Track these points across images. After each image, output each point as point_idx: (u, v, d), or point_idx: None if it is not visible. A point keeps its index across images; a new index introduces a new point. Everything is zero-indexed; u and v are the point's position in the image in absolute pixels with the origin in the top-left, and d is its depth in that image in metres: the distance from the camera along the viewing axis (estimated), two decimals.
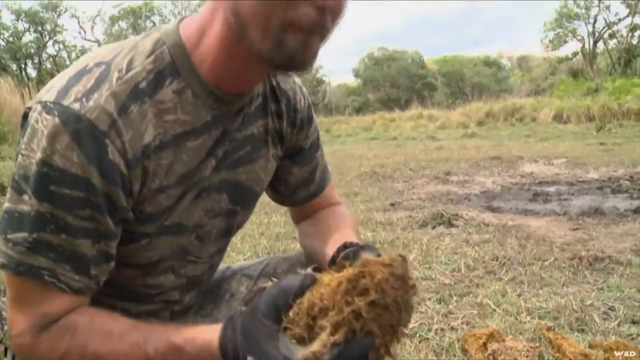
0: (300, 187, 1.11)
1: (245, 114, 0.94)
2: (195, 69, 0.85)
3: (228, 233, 1.05)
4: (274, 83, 1.00)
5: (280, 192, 1.12)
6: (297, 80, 1.06)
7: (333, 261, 0.92)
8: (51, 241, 0.77)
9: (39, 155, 0.75)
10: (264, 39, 0.77)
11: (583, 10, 23.54)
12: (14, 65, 23.27)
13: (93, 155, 0.76)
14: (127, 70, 0.81)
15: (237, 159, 0.96)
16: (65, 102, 0.76)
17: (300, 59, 0.79)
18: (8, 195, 0.79)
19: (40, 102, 0.78)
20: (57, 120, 0.75)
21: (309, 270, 0.79)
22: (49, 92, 0.79)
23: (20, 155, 0.77)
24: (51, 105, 0.77)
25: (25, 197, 0.76)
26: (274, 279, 0.81)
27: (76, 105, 0.76)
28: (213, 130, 0.89)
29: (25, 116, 0.80)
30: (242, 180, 0.98)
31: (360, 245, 0.91)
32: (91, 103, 0.76)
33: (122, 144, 0.78)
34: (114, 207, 0.80)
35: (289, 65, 0.81)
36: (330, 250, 0.96)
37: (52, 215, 0.76)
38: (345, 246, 0.92)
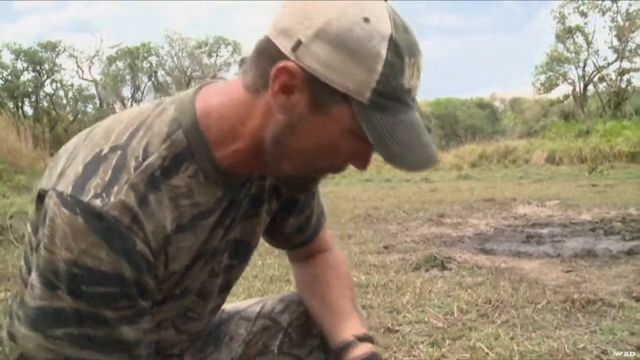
0: (295, 234, 1.13)
1: (250, 180, 0.96)
2: (209, 150, 0.83)
3: (227, 288, 1.07)
4: None
5: (277, 240, 1.15)
6: None
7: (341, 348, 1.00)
8: (95, 334, 0.77)
9: (65, 254, 0.74)
10: (293, 172, 0.84)
11: (573, 55, 23.96)
12: (11, 103, 23.35)
13: (121, 250, 0.75)
14: (144, 158, 0.79)
15: (237, 219, 0.97)
16: (85, 198, 0.74)
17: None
18: (38, 292, 0.77)
19: (56, 191, 0.76)
20: (80, 219, 0.73)
21: None
22: (63, 179, 0.77)
23: (44, 250, 0.76)
24: (69, 199, 0.75)
25: (60, 292, 0.76)
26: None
27: (97, 202, 0.74)
28: (223, 202, 0.90)
29: (40, 198, 0.79)
30: (239, 236, 1.00)
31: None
32: (112, 199, 0.75)
33: (145, 235, 0.78)
34: (146, 292, 0.81)
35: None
36: (336, 333, 1.03)
37: (90, 312, 0.76)
38: (358, 338, 1.00)
